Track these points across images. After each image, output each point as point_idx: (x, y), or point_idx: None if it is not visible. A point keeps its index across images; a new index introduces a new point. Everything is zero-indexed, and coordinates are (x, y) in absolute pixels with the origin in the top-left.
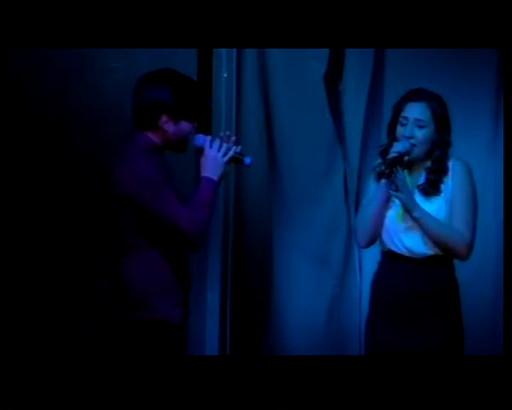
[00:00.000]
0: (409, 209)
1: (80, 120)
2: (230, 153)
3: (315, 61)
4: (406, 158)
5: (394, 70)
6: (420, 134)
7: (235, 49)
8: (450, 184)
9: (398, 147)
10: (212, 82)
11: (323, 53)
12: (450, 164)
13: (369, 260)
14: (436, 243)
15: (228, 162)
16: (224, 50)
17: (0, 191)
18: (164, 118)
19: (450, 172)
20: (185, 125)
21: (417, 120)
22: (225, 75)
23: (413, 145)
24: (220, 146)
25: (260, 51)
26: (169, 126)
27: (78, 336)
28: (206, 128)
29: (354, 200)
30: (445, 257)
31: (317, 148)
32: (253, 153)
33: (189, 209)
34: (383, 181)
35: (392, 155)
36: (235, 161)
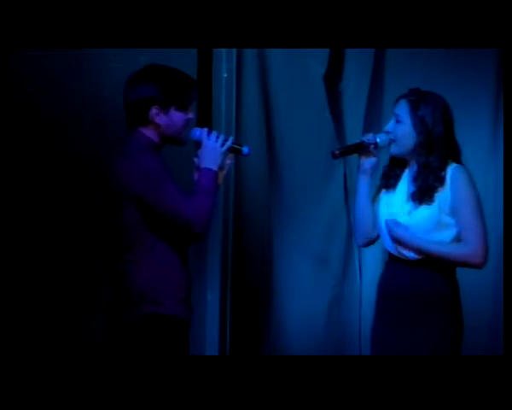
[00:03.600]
0: (409, 246)
1: (80, 120)
2: (228, 143)
3: (315, 61)
4: (372, 147)
5: (394, 70)
6: (397, 129)
7: (235, 49)
8: (448, 193)
9: (366, 135)
10: (212, 82)
11: (323, 53)
12: (449, 171)
13: (369, 260)
14: (448, 262)
15: (226, 152)
16: (224, 50)
17: (0, 191)
18: (154, 110)
19: (448, 181)
20: (177, 116)
21: (395, 114)
22: (225, 75)
23: (391, 140)
24: (217, 136)
25: (260, 51)
26: (160, 119)
27: (83, 334)
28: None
29: (354, 200)
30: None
31: (317, 148)
32: (253, 153)
33: (191, 199)
34: (359, 178)
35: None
36: (234, 150)
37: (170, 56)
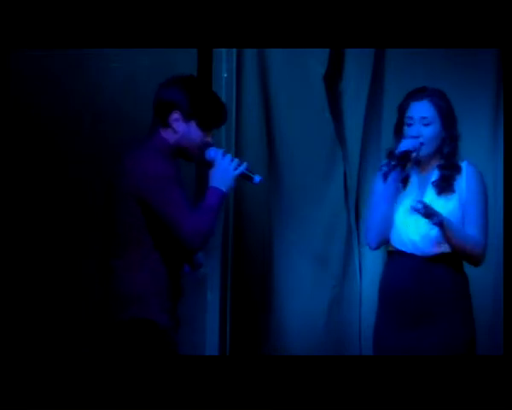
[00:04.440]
0: (429, 215)
1: (80, 120)
2: (241, 168)
3: (315, 61)
4: (414, 155)
5: (394, 70)
6: (427, 132)
7: (235, 49)
8: (464, 186)
9: (406, 143)
10: (212, 82)
11: (323, 53)
12: (464, 167)
13: (369, 260)
14: (454, 247)
15: (237, 177)
16: (224, 50)
17: (0, 190)
18: (175, 115)
19: (463, 175)
20: (195, 131)
21: (422, 117)
22: (225, 75)
23: (421, 144)
24: (232, 159)
25: (260, 51)
26: (179, 125)
27: (72, 331)
28: None
29: (354, 200)
30: (452, 255)
31: (317, 148)
32: (253, 153)
33: (194, 213)
34: (391, 178)
35: (400, 149)
36: (245, 177)
37: (170, 56)
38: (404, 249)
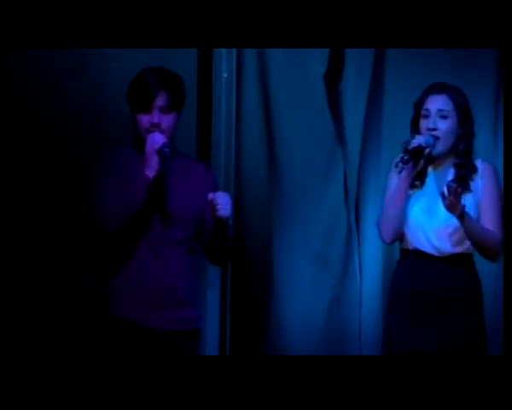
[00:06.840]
0: (455, 202)
1: (80, 120)
2: (156, 146)
3: (315, 61)
4: (427, 151)
5: (394, 70)
6: (443, 125)
7: (235, 49)
8: (479, 184)
9: (419, 139)
10: (212, 82)
11: (323, 53)
12: (479, 164)
13: (369, 260)
14: (475, 240)
15: (158, 155)
16: (224, 50)
17: (0, 190)
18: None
19: (479, 172)
20: (138, 118)
21: (440, 110)
22: (225, 75)
23: (437, 138)
24: (151, 138)
25: (260, 51)
26: (132, 120)
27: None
28: (205, 128)
29: (354, 200)
30: (468, 255)
31: (317, 148)
32: (253, 153)
33: (110, 202)
34: (404, 173)
35: (413, 144)
36: (159, 153)
37: (170, 56)
38: (421, 248)
